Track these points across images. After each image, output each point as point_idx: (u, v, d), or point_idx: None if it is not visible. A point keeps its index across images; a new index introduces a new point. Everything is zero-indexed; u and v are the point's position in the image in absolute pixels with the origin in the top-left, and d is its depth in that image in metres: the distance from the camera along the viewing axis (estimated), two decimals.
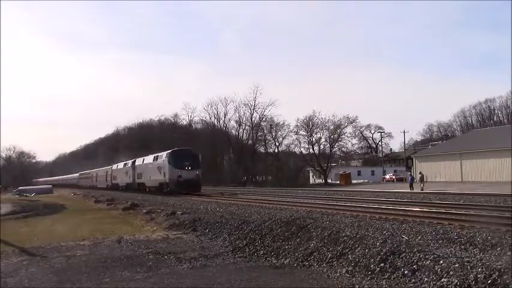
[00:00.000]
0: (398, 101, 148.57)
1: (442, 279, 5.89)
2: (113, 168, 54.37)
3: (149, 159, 39.85)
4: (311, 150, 67.02)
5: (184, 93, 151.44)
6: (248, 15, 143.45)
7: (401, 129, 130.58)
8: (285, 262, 8.51)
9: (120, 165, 51.16)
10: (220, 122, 78.65)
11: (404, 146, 74.91)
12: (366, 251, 7.53)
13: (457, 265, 6.05)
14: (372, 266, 7.01)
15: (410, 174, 43.10)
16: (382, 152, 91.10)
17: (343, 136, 66.71)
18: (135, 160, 44.92)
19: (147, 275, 7.78)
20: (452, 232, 8.97)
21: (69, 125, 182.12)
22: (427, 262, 6.46)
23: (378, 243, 7.63)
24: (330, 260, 7.89)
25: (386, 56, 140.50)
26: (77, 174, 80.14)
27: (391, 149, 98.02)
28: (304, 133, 66.39)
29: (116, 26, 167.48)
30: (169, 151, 35.34)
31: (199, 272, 7.96)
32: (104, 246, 11.18)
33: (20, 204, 30.51)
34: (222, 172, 74.78)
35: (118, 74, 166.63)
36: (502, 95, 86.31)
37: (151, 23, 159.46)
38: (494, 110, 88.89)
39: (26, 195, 50.20)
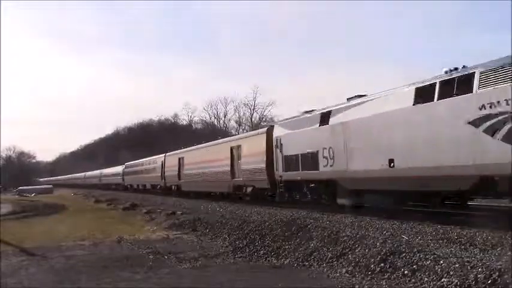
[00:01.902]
0: None
1: (442, 279, 5.88)
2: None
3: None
4: None
5: (184, 93, 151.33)
6: (248, 15, 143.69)
7: None
8: (285, 262, 8.50)
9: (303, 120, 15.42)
10: (220, 122, 78.57)
11: None
12: (366, 251, 7.53)
13: (457, 265, 6.04)
14: (372, 266, 7.00)
15: None
16: None
17: None
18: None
19: (147, 275, 7.78)
20: (452, 232, 8.95)
21: (69, 125, 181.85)
22: (427, 262, 6.45)
23: (378, 243, 7.62)
24: (330, 260, 7.88)
25: (386, 56, 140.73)
26: (121, 168, 50.57)
27: None
28: None
29: (115, 25, 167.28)
30: None
31: (199, 272, 7.96)
32: (104, 246, 11.18)
33: (20, 204, 30.53)
34: None
35: (118, 74, 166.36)
36: None
37: (151, 23, 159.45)
38: None
39: (26, 195, 50.24)
